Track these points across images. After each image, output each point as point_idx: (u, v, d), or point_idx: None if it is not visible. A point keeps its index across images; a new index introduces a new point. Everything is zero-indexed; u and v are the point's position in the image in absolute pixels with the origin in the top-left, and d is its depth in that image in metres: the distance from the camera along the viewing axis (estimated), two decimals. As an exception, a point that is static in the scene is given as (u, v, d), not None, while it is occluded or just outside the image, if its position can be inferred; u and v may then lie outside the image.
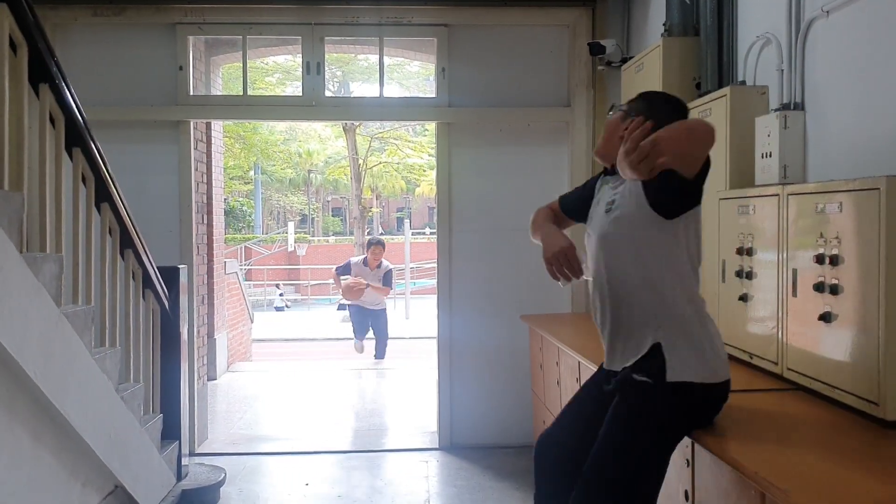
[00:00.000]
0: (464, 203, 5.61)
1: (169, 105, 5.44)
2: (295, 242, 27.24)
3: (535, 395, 5.13)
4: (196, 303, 5.71)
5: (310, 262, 26.74)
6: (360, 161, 20.36)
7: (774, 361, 2.86)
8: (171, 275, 4.47)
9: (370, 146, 22.85)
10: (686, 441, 2.39)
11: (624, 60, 5.07)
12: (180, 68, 5.46)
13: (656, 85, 4.02)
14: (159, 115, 5.44)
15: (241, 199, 34.04)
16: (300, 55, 5.43)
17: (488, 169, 5.62)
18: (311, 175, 32.11)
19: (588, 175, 5.54)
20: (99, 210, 3.68)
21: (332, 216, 39.65)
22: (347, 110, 5.82)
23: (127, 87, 5.47)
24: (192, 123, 5.52)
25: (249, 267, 25.03)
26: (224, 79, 7.49)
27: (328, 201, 38.44)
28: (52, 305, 2.73)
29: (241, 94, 5.67)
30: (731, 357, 3.15)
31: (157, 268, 4.29)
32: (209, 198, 8.09)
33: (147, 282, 4.16)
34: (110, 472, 3.38)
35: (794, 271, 2.69)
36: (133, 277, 4.05)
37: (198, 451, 5.55)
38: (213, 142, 8.08)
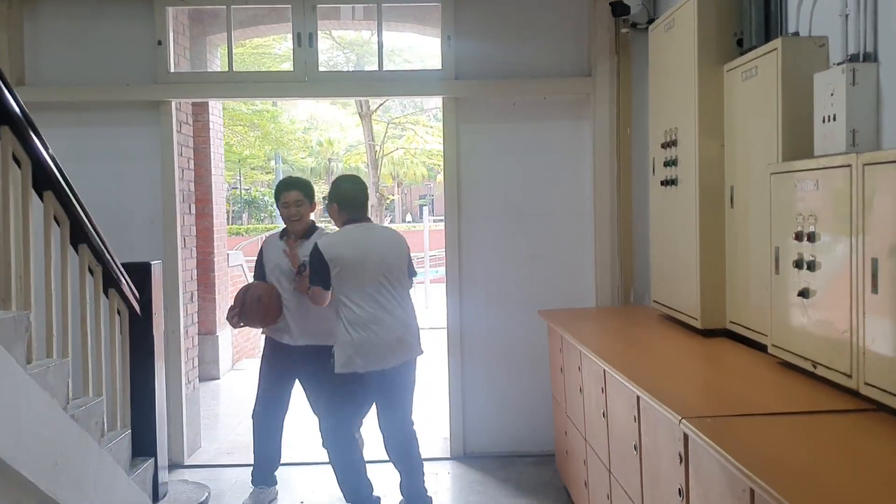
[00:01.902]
0: (474, 186, 5.06)
1: (147, 83, 4.94)
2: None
3: (555, 402, 4.58)
4: (183, 300, 5.22)
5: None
6: (377, 148, 19.82)
7: (847, 374, 2.29)
8: (141, 271, 3.97)
9: (387, 132, 22.31)
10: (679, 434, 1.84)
11: (650, 21, 4.47)
12: (159, 43, 4.96)
13: (690, 46, 3.43)
14: (137, 95, 4.94)
15: (262, 188, 33.74)
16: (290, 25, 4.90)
17: (501, 148, 5.06)
18: (332, 164, 31.64)
19: (613, 152, 4.96)
20: (41, 197, 3.17)
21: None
22: (343, 85, 5.27)
23: (102, 64, 4.98)
24: (173, 104, 5.01)
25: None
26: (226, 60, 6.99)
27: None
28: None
29: (226, 69, 5.16)
30: (788, 365, 2.59)
31: (124, 264, 3.79)
32: (207, 186, 7.62)
33: (109, 280, 3.65)
34: (58, 505, 2.89)
35: (874, 261, 2.12)
36: (91, 274, 3.55)
37: (187, 462, 5.09)
38: (211, 126, 7.62)
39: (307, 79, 4.97)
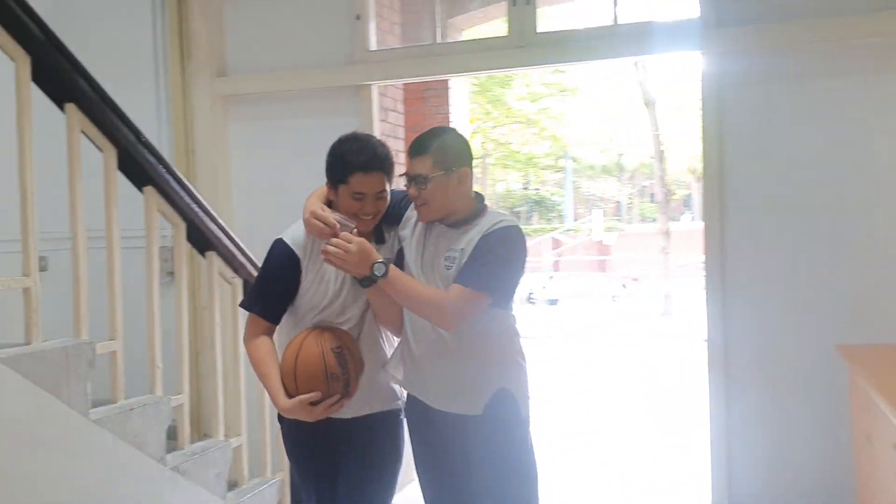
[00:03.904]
0: (744, 172, 3.72)
1: (342, 65, 4.31)
2: (603, 231, 25.68)
3: (858, 471, 3.13)
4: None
5: (620, 251, 25.05)
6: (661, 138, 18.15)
7: None
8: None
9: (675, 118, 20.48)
10: None
11: None
12: (357, 18, 4.30)
13: None
14: (332, 80, 4.31)
15: (552, 188, 33.32)
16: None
17: (780, 116, 3.67)
18: (622, 159, 30.15)
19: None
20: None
21: (651, 202, 37.14)
22: (568, 48, 4.20)
23: (297, 49, 4.42)
24: (374, 88, 4.33)
25: (558, 258, 24.07)
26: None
27: (644, 186, 36.08)
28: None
29: (430, 42, 4.36)
30: None
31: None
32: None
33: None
34: None
35: None
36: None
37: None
38: (450, 120, 6.95)
39: (522, 44, 4.00)
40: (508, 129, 20.98)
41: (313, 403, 2.11)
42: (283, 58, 4.47)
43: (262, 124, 4.51)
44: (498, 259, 2.16)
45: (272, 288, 2.30)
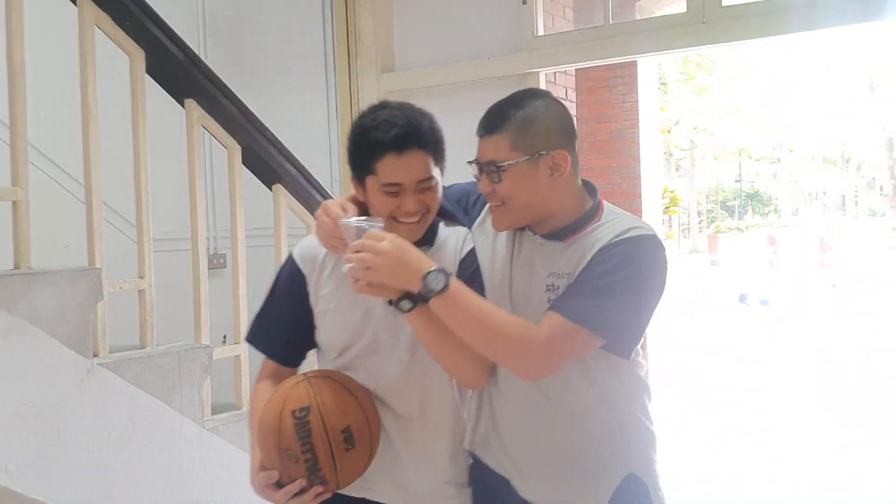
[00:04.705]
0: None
1: (507, 53, 4.06)
2: (825, 226, 23.53)
3: None
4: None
5: (842, 247, 22.81)
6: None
7: None
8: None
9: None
10: None
11: None
12: (523, 2, 4.03)
13: None
14: (496, 70, 4.08)
15: (767, 180, 31.12)
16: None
17: None
18: (845, 148, 27.49)
19: None
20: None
21: (880, 194, 33.58)
22: (758, 22, 3.68)
23: (463, 39, 4.24)
24: (542, 76, 4.04)
25: (773, 256, 22.34)
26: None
27: (873, 179, 32.63)
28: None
29: (601, 24, 4.00)
30: None
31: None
32: (634, 178, 6.52)
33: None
34: None
35: None
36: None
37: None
38: (640, 108, 6.50)
39: (705, 20, 3.55)
40: (716, 118, 19.74)
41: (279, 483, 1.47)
42: (447, 50, 4.31)
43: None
44: (619, 283, 1.45)
45: (275, 317, 1.66)
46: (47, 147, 2.73)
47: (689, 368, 8.06)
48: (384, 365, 1.57)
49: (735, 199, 32.02)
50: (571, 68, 4.44)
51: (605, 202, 1.61)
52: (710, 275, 19.09)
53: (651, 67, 6.73)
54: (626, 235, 1.50)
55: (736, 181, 31.94)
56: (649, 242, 1.51)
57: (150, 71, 2.11)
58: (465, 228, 1.67)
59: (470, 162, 1.60)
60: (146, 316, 2.07)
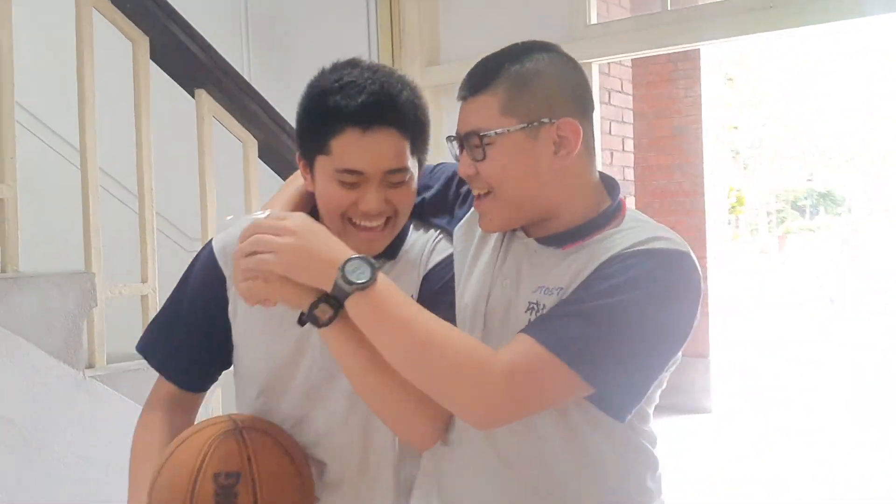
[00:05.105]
0: None
1: (558, 43, 3.83)
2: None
3: None
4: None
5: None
6: None
7: None
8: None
9: None
10: None
11: None
12: (577, -10, 3.80)
13: None
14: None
15: (842, 179, 29.94)
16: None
17: None
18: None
19: None
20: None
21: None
22: (829, 5, 3.37)
23: (512, 30, 4.03)
24: (595, 66, 3.81)
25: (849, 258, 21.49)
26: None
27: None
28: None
29: (659, 11, 3.74)
30: None
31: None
32: (696, 176, 6.22)
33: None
34: None
35: None
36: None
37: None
38: (703, 103, 6.20)
39: (772, 5, 3.27)
40: (786, 114, 19.04)
41: None
42: (494, 42, 4.00)
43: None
44: (624, 309, 1.01)
45: (179, 325, 1.23)
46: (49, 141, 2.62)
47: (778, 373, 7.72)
48: (317, 415, 1.17)
49: (806, 198, 30.89)
50: (627, 58, 4.20)
51: (628, 206, 1.16)
52: (779, 275, 18.49)
53: (715, 61, 6.41)
54: (645, 246, 1.06)
55: (808, 180, 30.82)
56: (677, 259, 1.06)
57: (157, 58, 1.96)
58: (436, 229, 1.25)
59: (449, 138, 1.14)
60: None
